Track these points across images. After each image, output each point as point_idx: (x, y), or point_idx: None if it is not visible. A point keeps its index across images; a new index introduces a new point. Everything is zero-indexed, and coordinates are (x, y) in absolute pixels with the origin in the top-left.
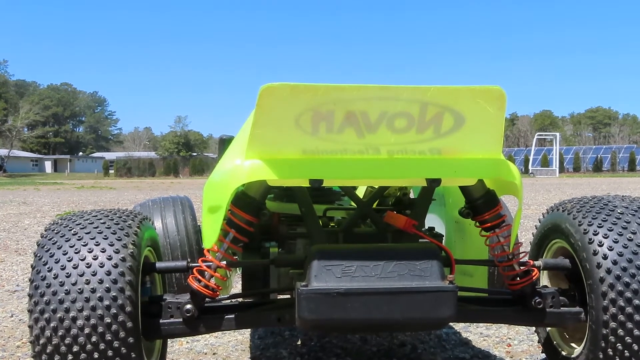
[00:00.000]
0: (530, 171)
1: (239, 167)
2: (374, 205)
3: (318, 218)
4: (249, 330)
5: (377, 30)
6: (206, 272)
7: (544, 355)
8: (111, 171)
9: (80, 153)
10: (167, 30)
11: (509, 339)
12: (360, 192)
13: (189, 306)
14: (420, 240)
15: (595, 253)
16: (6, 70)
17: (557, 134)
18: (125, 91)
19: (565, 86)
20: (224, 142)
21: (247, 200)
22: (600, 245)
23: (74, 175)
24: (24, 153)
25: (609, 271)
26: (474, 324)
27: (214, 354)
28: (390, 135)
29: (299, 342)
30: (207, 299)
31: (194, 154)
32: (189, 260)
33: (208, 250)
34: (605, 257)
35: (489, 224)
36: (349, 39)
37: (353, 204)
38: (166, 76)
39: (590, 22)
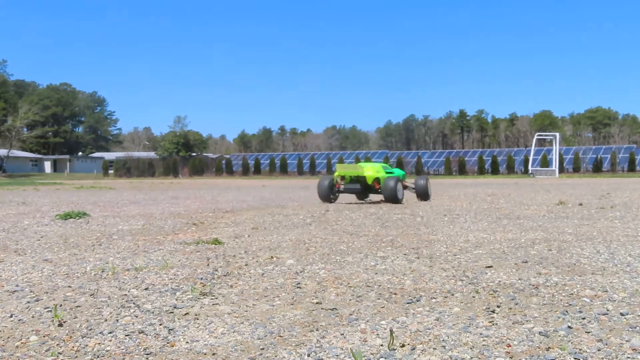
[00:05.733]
0: (530, 171)
1: None
2: None
3: None
4: (249, 330)
5: (377, 31)
6: None
7: (544, 356)
8: (110, 171)
9: (80, 153)
10: (166, 31)
11: (509, 339)
12: None
13: None
14: None
15: None
16: (5, 70)
17: (557, 134)
18: (125, 91)
19: (565, 86)
20: None
21: None
22: None
23: (73, 176)
24: (23, 153)
25: None
26: (474, 323)
27: (213, 354)
28: None
29: (299, 343)
30: None
31: (194, 154)
32: None
33: None
34: None
35: None
36: (344, 40)
37: None
38: (166, 76)
39: (590, 22)
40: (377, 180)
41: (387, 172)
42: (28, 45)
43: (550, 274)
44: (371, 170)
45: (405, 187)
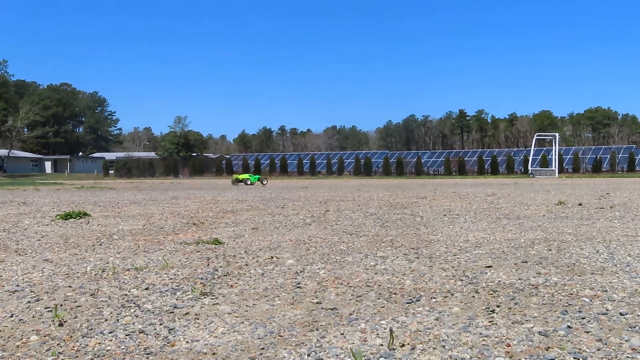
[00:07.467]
0: (530, 171)
1: None
2: None
3: None
4: (249, 330)
5: (377, 31)
6: None
7: (544, 355)
8: (111, 171)
9: (80, 153)
10: (167, 31)
11: (509, 339)
12: None
13: None
14: None
15: None
16: (6, 70)
17: (557, 134)
18: (125, 91)
19: (565, 86)
20: None
21: None
22: None
23: (74, 176)
24: (23, 153)
25: None
26: (473, 323)
27: (213, 354)
28: None
29: (299, 342)
30: None
31: (194, 154)
32: None
33: None
34: None
35: None
36: (344, 40)
37: None
38: (166, 76)
39: (591, 22)
40: None
41: None
42: (28, 45)
43: (550, 274)
44: None
45: None
